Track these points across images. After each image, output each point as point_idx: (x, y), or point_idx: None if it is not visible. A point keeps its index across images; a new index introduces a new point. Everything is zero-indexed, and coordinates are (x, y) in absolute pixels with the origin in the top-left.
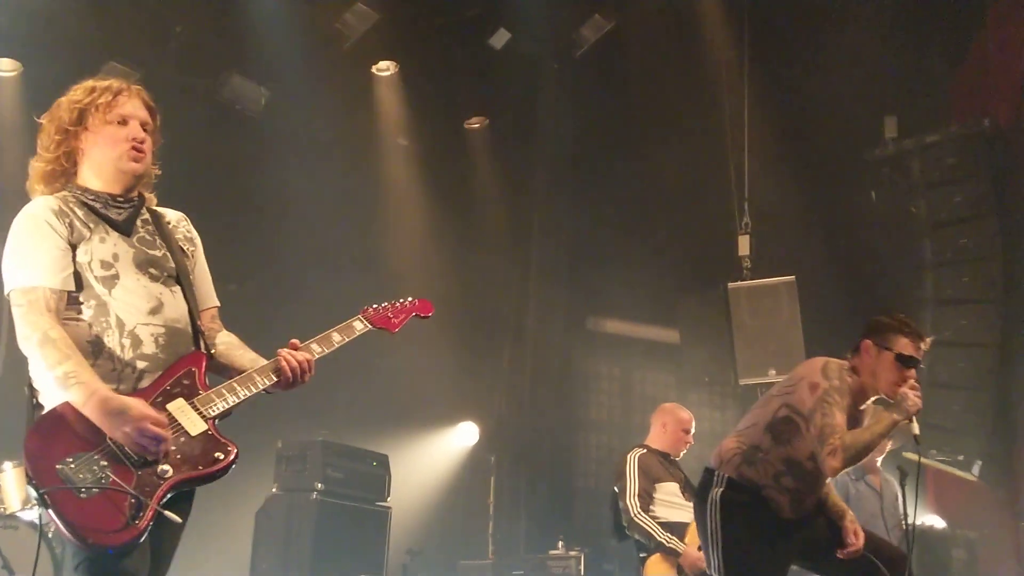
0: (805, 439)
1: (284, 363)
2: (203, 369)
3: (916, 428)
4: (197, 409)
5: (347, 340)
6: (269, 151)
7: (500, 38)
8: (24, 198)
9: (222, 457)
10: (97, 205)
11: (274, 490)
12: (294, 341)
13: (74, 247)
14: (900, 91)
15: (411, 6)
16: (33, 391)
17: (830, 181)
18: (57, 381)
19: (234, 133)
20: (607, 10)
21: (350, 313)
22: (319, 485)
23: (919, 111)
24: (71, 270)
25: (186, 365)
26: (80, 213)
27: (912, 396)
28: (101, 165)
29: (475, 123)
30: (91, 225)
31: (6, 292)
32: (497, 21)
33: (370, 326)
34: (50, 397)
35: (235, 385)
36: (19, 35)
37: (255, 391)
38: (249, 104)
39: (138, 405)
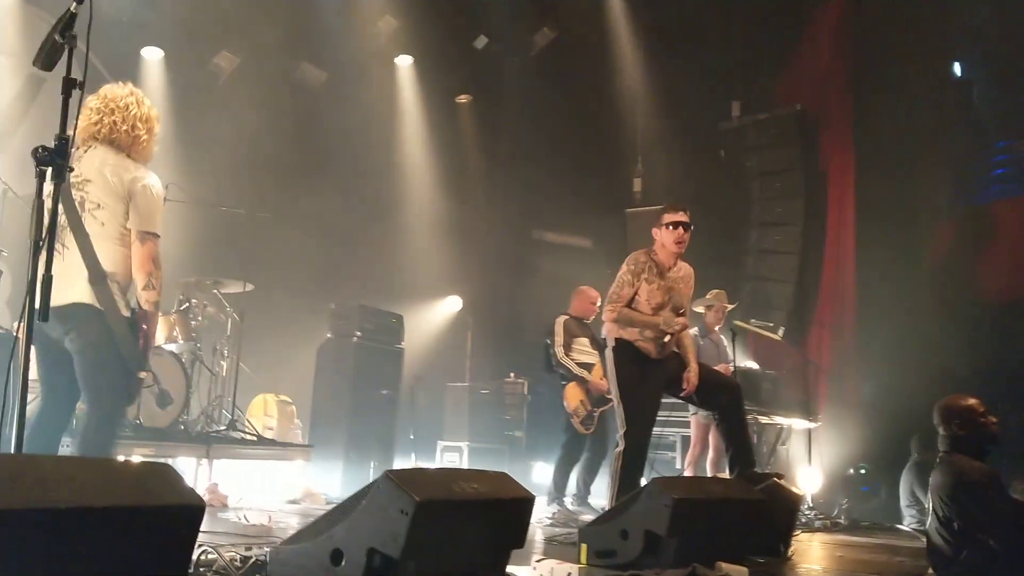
0: (640, 305)
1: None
2: None
3: (666, 337)
4: None
5: None
6: (325, 116)
7: (480, 42)
8: (170, 159)
9: None
10: None
11: (328, 335)
12: None
13: None
14: (743, 84)
15: (421, 20)
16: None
17: (696, 142)
18: (151, 303)
19: (301, 102)
20: (552, 24)
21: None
22: (358, 333)
23: (755, 98)
24: None
25: None
26: None
27: (676, 325)
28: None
29: (463, 99)
30: None
31: (148, 229)
32: (478, 30)
33: None
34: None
35: None
36: (159, 31)
37: None
38: (313, 82)
39: None
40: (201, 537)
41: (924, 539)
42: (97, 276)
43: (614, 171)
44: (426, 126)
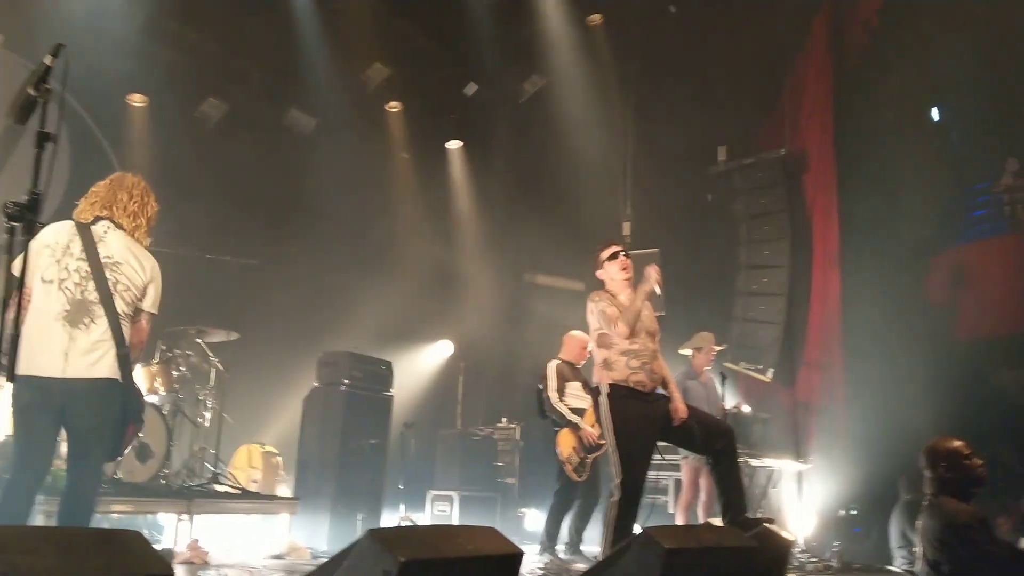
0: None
1: None
2: None
3: (658, 289)
4: None
5: None
6: (314, 160)
7: (470, 88)
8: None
9: None
10: None
11: (315, 384)
12: None
13: None
14: (729, 129)
15: (412, 67)
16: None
17: (684, 187)
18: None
19: (290, 148)
20: (541, 72)
21: (366, 270)
22: (346, 381)
23: (740, 143)
24: None
25: None
26: None
27: (653, 274)
28: None
29: (453, 144)
30: None
31: (155, 311)
32: (468, 77)
33: None
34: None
35: None
36: (145, 78)
37: None
38: (302, 128)
39: None
40: None
41: None
42: (124, 353)
43: (604, 215)
44: (416, 172)
